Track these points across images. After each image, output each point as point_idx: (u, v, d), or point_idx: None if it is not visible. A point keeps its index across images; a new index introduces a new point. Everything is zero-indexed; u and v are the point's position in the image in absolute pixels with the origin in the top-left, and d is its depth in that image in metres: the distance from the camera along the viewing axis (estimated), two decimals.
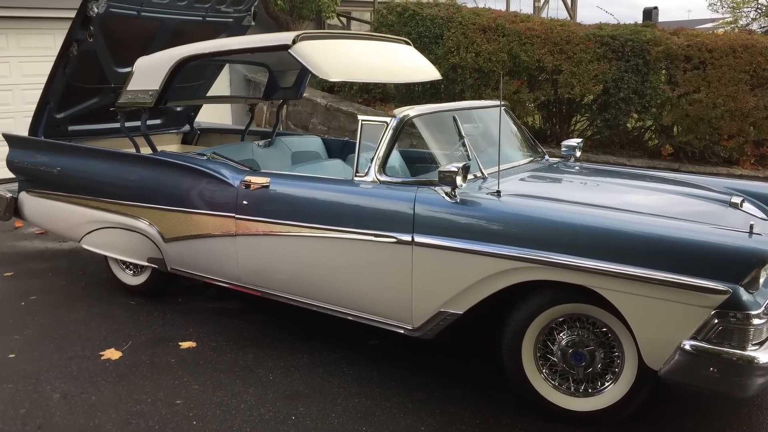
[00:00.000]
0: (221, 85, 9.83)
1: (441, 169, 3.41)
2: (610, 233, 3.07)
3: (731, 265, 2.81)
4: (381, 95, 10.02)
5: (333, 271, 3.89)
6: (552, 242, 3.15)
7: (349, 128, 9.42)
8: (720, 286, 2.78)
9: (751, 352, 2.80)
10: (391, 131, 3.79)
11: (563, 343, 3.31)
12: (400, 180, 3.77)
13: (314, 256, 3.93)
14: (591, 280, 3.07)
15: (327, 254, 3.87)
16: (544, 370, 3.38)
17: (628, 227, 3.07)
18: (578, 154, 4.77)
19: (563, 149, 4.80)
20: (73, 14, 4.85)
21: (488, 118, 4.39)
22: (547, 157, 4.66)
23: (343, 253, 3.80)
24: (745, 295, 2.78)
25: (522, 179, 3.97)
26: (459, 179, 3.36)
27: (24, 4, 8.98)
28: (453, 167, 3.36)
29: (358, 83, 9.85)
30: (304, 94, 10.15)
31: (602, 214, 3.21)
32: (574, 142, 4.81)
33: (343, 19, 13.65)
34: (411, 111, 3.90)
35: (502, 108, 4.25)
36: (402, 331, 3.71)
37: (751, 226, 2.91)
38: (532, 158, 4.49)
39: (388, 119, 3.83)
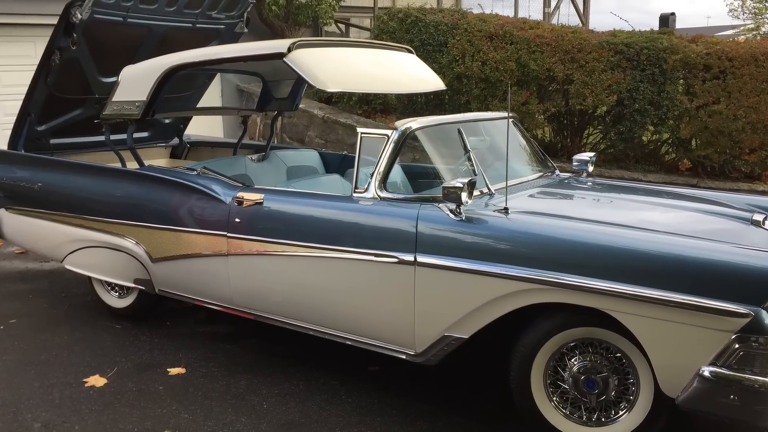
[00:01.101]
0: (212, 96, 9.91)
1: (445, 184, 3.46)
2: (625, 253, 3.11)
3: (753, 286, 2.84)
4: (382, 106, 10.09)
5: (330, 292, 3.92)
6: (563, 262, 3.19)
7: (347, 141, 9.48)
8: (741, 309, 2.81)
9: None
10: (392, 144, 3.84)
11: (575, 369, 3.33)
12: (401, 196, 3.82)
13: (311, 276, 3.96)
14: (604, 303, 3.10)
15: (324, 275, 3.90)
16: (554, 398, 3.41)
17: (644, 246, 3.11)
18: (591, 168, 4.82)
19: (575, 164, 4.86)
20: (55, 21, 4.91)
21: (495, 130, 4.45)
22: (557, 172, 4.70)
23: (341, 273, 3.83)
24: (767, 319, 2.81)
25: (531, 195, 4.01)
26: (464, 195, 3.40)
27: (2, 10, 9.06)
28: (458, 183, 3.40)
29: (358, 94, 9.93)
30: (300, 106, 10.20)
31: (616, 233, 3.25)
32: (587, 156, 4.86)
33: (342, 26, 13.77)
34: (413, 123, 3.95)
35: (510, 120, 4.30)
36: (404, 357, 3.73)
37: None
38: (541, 173, 4.53)
39: (389, 132, 3.88)
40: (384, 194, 3.78)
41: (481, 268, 3.36)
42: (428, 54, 8.42)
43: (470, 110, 8.27)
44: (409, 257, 3.55)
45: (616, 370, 3.28)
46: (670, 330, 2.98)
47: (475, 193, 3.58)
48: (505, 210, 3.48)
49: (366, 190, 3.84)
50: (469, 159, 4.02)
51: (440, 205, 3.58)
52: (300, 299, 4.08)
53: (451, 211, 3.52)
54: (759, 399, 2.86)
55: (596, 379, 3.29)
